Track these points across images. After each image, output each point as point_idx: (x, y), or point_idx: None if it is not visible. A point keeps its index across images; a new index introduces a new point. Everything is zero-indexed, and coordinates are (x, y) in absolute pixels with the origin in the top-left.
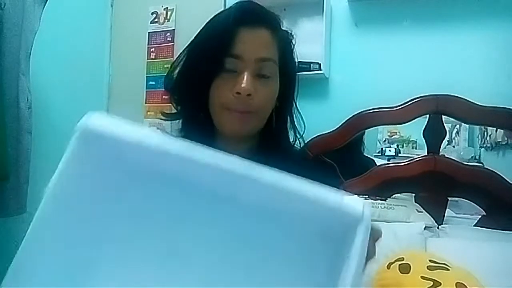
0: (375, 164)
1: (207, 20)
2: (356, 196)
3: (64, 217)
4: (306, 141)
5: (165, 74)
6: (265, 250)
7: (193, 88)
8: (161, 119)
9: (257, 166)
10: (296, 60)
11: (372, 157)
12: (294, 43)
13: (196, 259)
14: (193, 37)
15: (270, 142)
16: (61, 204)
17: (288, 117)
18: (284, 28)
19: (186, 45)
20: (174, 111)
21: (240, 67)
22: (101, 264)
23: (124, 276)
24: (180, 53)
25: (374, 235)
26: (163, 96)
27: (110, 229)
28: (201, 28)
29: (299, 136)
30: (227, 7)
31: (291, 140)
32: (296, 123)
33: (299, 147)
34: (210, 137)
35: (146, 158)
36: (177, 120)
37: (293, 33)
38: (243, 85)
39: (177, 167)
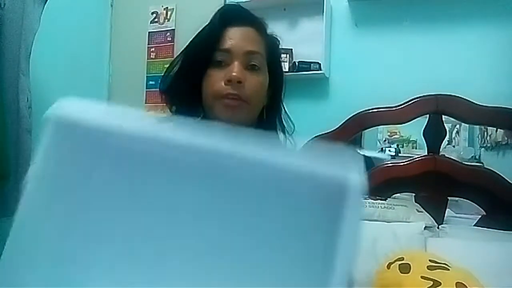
0: (372, 162)
1: (198, 30)
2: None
3: (46, 213)
4: (306, 141)
5: (161, 77)
6: (259, 232)
7: (187, 83)
8: None
9: (241, 142)
10: (282, 65)
11: (369, 155)
12: (280, 47)
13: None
14: (186, 45)
15: None
16: (42, 201)
17: (277, 118)
18: (270, 32)
19: (181, 50)
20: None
21: (230, 59)
22: (91, 262)
23: (115, 275)
24: (175, 57)
25: None
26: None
27: (96, 223)
28: (194, 35)
29: (288, 136)
30: None
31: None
32: (284, 123)
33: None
34: None
35: (125, 143)
36: None
37: (278, 38)
38: (233, 73)
39: (157, 150)
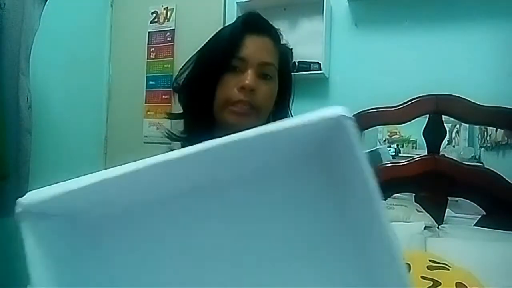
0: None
1: (217, 31)
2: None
3: None
4: None
5: (174, 77)
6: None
7: (201, 87)
8: (165, 118)
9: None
10: (292, 73)
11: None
12: (291, 56)
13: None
14: (203, 44)
15: None
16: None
17: None
18: (283, 42)
19: (196, 50)
20: (177, 111)
21: (245, 67)
22: None
23: None
24: (191, 57)
25: None
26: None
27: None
28: (210, 36)
29: None
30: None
31: None
32: None
33: None
34: (211, 136)
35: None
36: (180, 120)
37: (291, 48)
38: (247, 82)
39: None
